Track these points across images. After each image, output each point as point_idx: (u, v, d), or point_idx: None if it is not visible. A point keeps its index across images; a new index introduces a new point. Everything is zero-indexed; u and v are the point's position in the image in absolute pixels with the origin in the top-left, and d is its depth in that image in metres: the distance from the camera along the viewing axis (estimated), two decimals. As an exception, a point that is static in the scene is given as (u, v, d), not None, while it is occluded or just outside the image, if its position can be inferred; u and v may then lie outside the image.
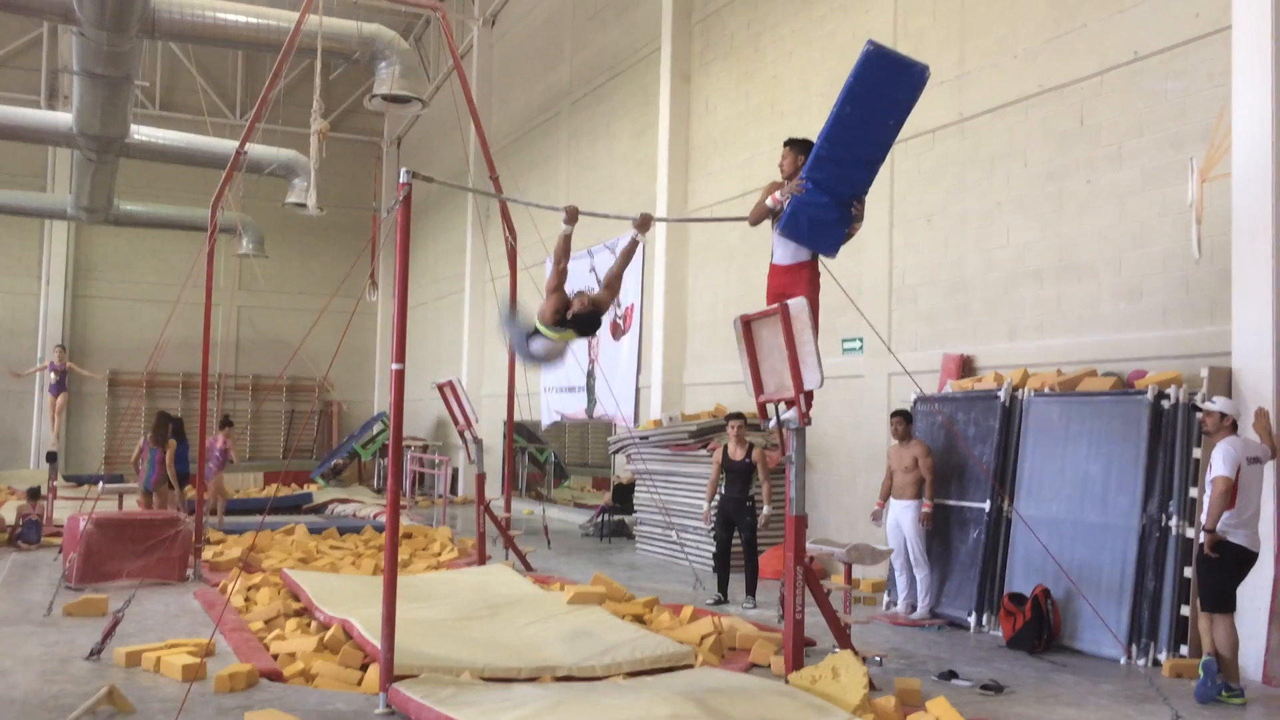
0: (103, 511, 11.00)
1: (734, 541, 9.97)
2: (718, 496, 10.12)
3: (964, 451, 9.05)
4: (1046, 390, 8.61)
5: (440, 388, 13.03)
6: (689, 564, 11.20)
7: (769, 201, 7.05)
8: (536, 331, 7.06)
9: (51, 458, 15.69)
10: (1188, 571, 7.26)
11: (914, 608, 9.10)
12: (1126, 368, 8.36)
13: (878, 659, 7.22)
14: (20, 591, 9.75)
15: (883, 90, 6.62)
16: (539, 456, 21.48)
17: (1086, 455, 8.09)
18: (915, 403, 9.75)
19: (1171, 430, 7.58)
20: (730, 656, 7.36)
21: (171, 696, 6.10)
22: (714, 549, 10.28)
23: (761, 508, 9.65)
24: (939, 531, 9.16)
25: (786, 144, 7.23)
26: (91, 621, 8.12)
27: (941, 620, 8.89)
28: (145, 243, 25.73)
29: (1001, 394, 8.89)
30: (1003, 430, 8.81)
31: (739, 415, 10.19)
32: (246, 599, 9.20)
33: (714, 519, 10.10)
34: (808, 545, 7.26)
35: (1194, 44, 8.12)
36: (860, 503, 11.02)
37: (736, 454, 9.86)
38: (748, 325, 6.99)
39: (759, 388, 6.95)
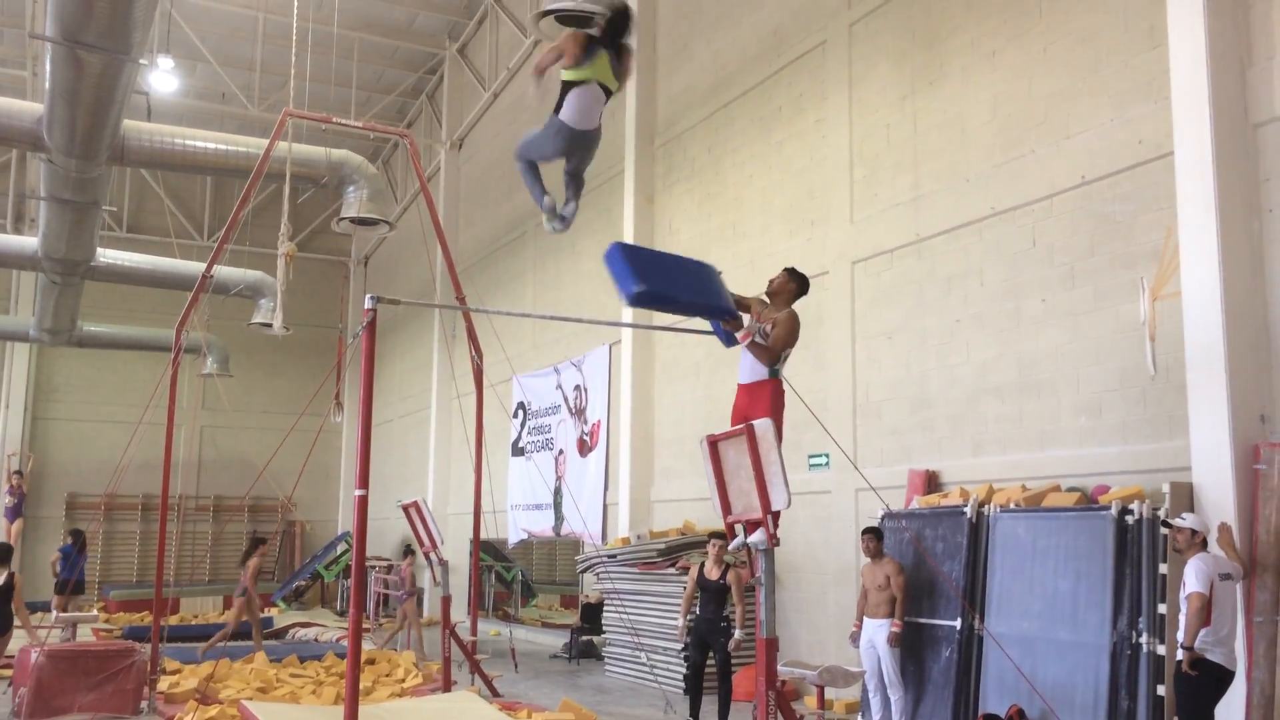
0: (55, 643, 10.70)
1: (708, 663, 9.80)
2: (692, 614, 9.95)
3: (933, 568, 9.04)
4: (1012, 506, 8.65)
5: (405, 508, 12.90)
6: (659, 687, 11.00)
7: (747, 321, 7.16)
8: (565, 92, 7.08)
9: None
10: (1160, 690, 7.22)
11: (887, 729, 8.95)
12: (1089, 483, 8.44)
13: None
14: (-34, 729, 9.40)
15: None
16: (506, 575, 21.15)
17: (1054, 571, 8.10)
18: (883, 519, 9.75)
19: (1137, 546, 7.62)
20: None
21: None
22: (686, 671, 10.09)
23: (734, 630, 9.51)
24: (912, 650, 9.07)
25: (787, 271, 7.42)
26: (40, 761, 7.83)
27: (916, 742, 8.75)
28: (108, 363, 25.58)
29: (968, 510, 8.93)
30: (970, 546, 8.82)
31: (721, 535, 10.08)
32: (203, 733, 8.91)
33: (687, 639, 9.92)
34: (779, 668, 7.16)
35: (1139, 169, 8.43)
36: (831, 620, 10.93)
37: (713, 573, 9.69)
38: (714, 445, 7.00)
39: (726, 508, 6.93)
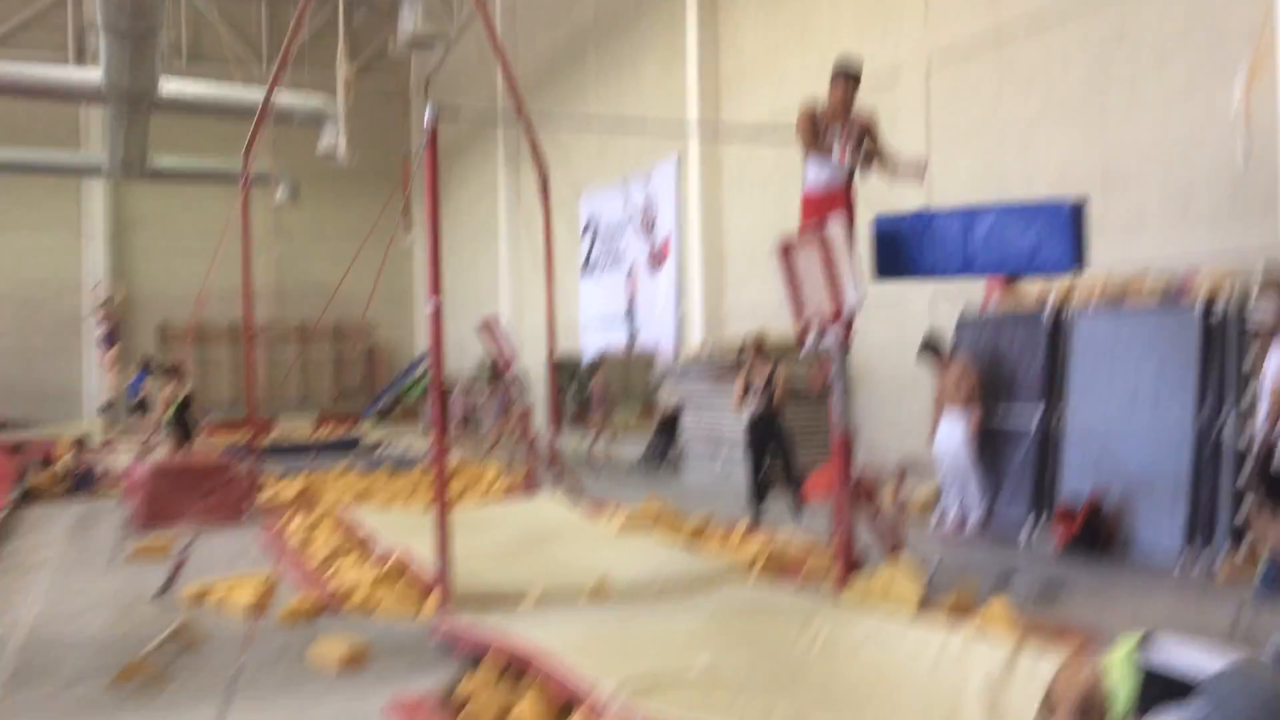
0: (161, 459, 11.29)
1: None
2: (747, 411, 10.12)
3: (1011, 368, 9.02)
4: (1093, 303, 8.53)
5: (481, 325, 13.12)
6: (737, 488, 11.28)
7: (835, 155, 6.92)
8: None
9: (106, 409, 16.02)
10: (1241, 480, 7.23)
11: (965, 522, 9.13)
12: (1179, 266, 8.25)
13: (930, 570, 7.26)
14: (86, 538, 10.03)
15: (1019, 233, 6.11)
16: (583, 391, 21.64)
17: (1136, 365, 8.02)
18: (959, 321, 9.71)
19: (1222, 336, 7.50)
20: (783, 573, 7.44)
21: (239, 629, 6.28)
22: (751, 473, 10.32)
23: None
24: (989, 446, 9.15)
25: (840, 75, 7.01)
26: (158, 563, 8.34)
27: (994, 533, 8.91)
28: (182, 196, 25.94)
29: (1047, 309, 8.82)
30: (1049, 345, 8.76)
31: (753, 338, 10.24)
32: (306, 536, 9.41)
33: (746, 439, 10.15)
34: (856, 461, 7.30)
35: (1239, -59, 7.89)
36: (906, 422, 11.03)
37: (760, 375, 9.90)
38: (785, 250, 6.96)
39: (799, 311, 6.94)
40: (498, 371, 13.21)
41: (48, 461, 13.46)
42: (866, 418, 11.56)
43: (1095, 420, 8.26)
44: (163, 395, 13.06)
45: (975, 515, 9.03)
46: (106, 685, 5.36)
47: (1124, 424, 8.03)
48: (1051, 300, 8.88)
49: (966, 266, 6.50)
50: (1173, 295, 7.98)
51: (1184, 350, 7.67)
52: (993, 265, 6.40)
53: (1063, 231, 5.94)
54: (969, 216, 6.43)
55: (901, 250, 6.80)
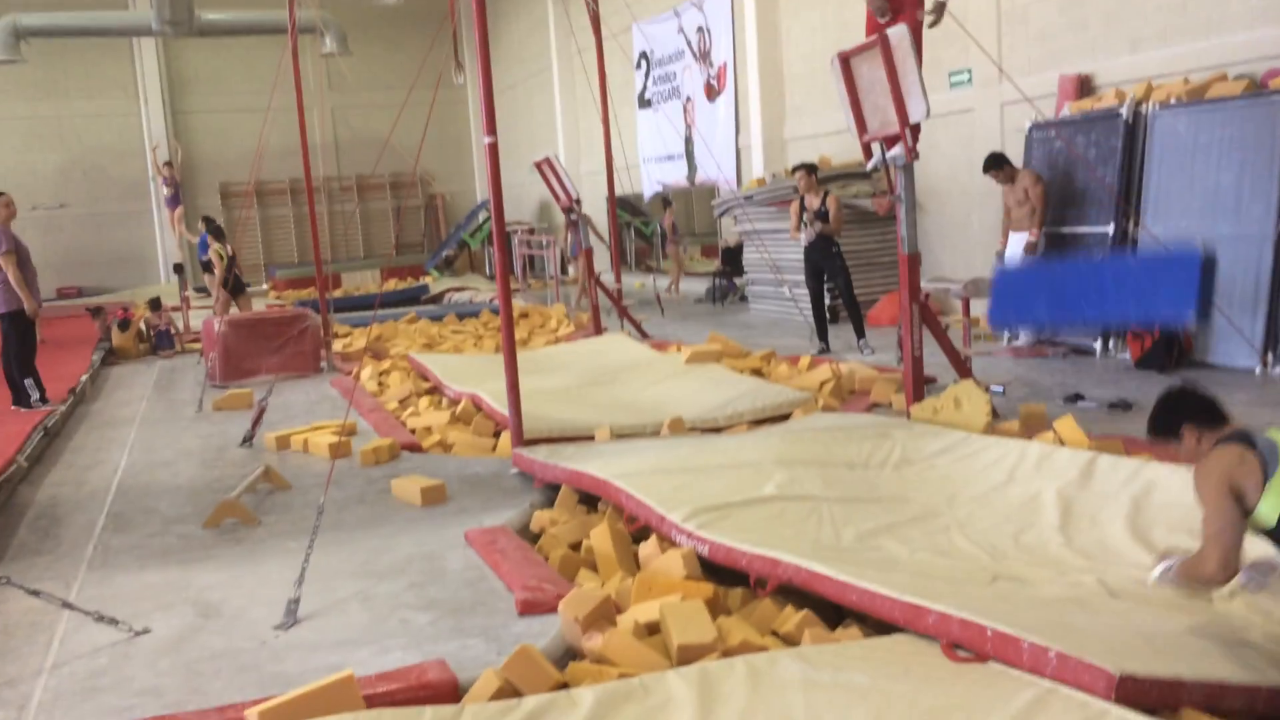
0: (234, 315, 11.51)
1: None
2: (804, 239, 9.96)
3: (1085, 175, 8.69)
4: (1173, 102, 8.11)
5: (538, 166, 12.95)
6: (804, 319, 11.20)
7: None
8: None
9: (178, 269, 16.30)
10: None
11: (1035, 341, 8.97)
12: (1260, 68, 7.79)
13: (1000, 388, 7.18)
14: (171, 393, 10.35)
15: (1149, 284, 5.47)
16: (644, 230, 21.49)
17: (1217, 166, 7.66)
18: (1030, 130, 9.34)
19: (1310, 130, 7.10)
20: (851, 399, 7.42)
21: (321, 472, 6.45)
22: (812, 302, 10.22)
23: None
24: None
25: None
26: (239, 413, 8.59)
27: (1066, 348, 8.76)
28: (233, 52, 25.61)
29: (1124, 111, 8.42)
30: (1126, 149, 8.39)
31: (808, 166, 9.98)
32: (379, 383, 9.60)
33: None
34: (923, 283, 7.16)
35: None
36: (976, 242, 10.77)
37: (813, 202, 9.71)
38: (846, 62, 6.67)
39: (862, 127, 6.69)
40: (567, 215, 13.07)
41: (126, 323, 13.80)
42: (935, 237, 11.30)
43: (1173, 228, 7.95)
44: (215, 255, 13.24)
45: (1031, 335, 8.83)
46: (201, 525, 5.59)
47: (1203, 227, 7.71)
48: (1130, 97, 8.45)
49: (1087, 318, 6.15)
50: (1257, 86, 7.55)
51: (1267, 144, 7.29)
52: (1115, 316, 6.06)
53: (1190, 283, 5.45)
54: (1090, 269, 6.07)
55: (1020, 301, 6.41)
